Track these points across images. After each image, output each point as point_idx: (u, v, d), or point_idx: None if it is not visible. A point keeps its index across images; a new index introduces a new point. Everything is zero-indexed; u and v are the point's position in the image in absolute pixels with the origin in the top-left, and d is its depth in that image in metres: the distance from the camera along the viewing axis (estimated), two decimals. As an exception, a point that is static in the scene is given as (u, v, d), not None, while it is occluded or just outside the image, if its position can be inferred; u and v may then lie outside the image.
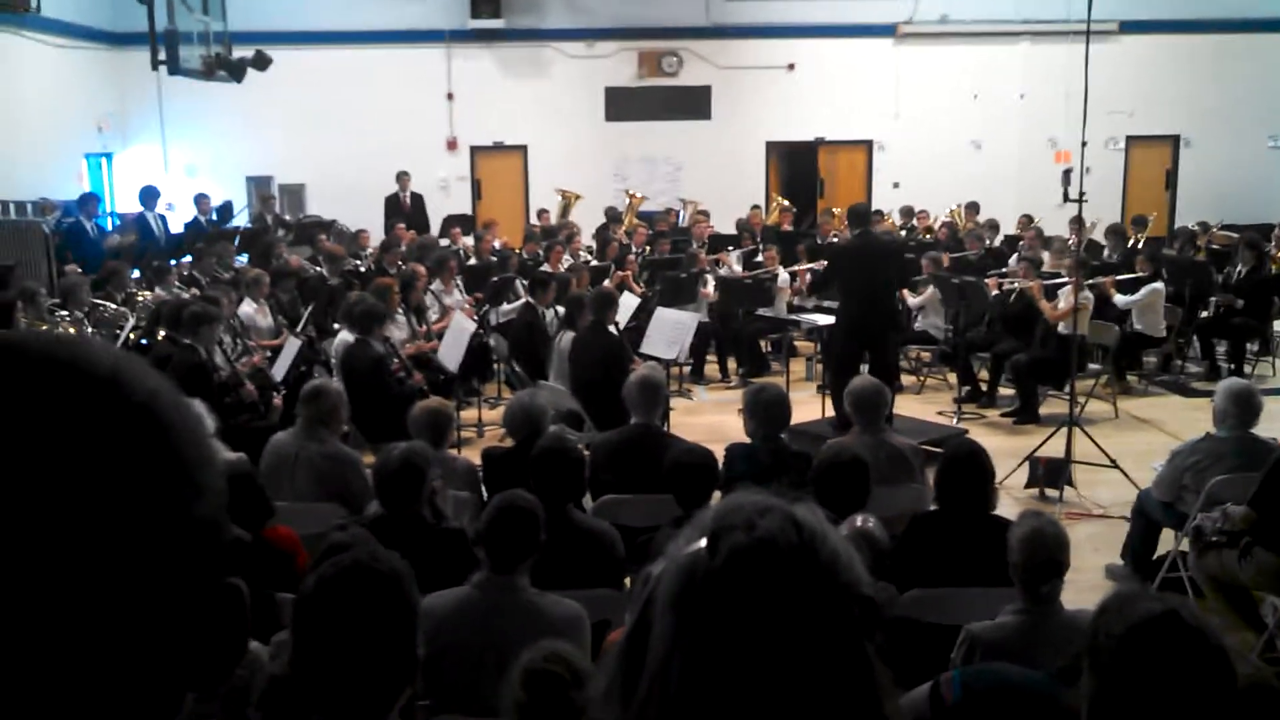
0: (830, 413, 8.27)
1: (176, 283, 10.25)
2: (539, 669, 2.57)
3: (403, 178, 15.78)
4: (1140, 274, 10.32)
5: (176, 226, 13.81)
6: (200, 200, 14.31)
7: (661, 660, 1.01)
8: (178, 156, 17.13)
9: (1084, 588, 4.91)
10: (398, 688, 2.05)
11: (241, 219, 15.01)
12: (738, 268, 12.19)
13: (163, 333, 7.76)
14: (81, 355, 0.72)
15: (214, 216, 14.12)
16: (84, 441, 0.68)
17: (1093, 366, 9.52)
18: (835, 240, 12.34)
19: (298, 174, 17.22)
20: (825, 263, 10.08)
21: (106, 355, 0.74)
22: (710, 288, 11.41)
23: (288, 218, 15.26)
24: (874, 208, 13.90)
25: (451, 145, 18.02)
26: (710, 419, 9.11)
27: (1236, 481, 5.14)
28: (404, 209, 15.49)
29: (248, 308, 9.27)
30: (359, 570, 2.07)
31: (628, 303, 9.89)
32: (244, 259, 12.28)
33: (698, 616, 1.01)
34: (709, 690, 0.99)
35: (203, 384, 6.67)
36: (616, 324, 8.66)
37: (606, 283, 10.69)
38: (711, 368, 11.20)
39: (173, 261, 11.18)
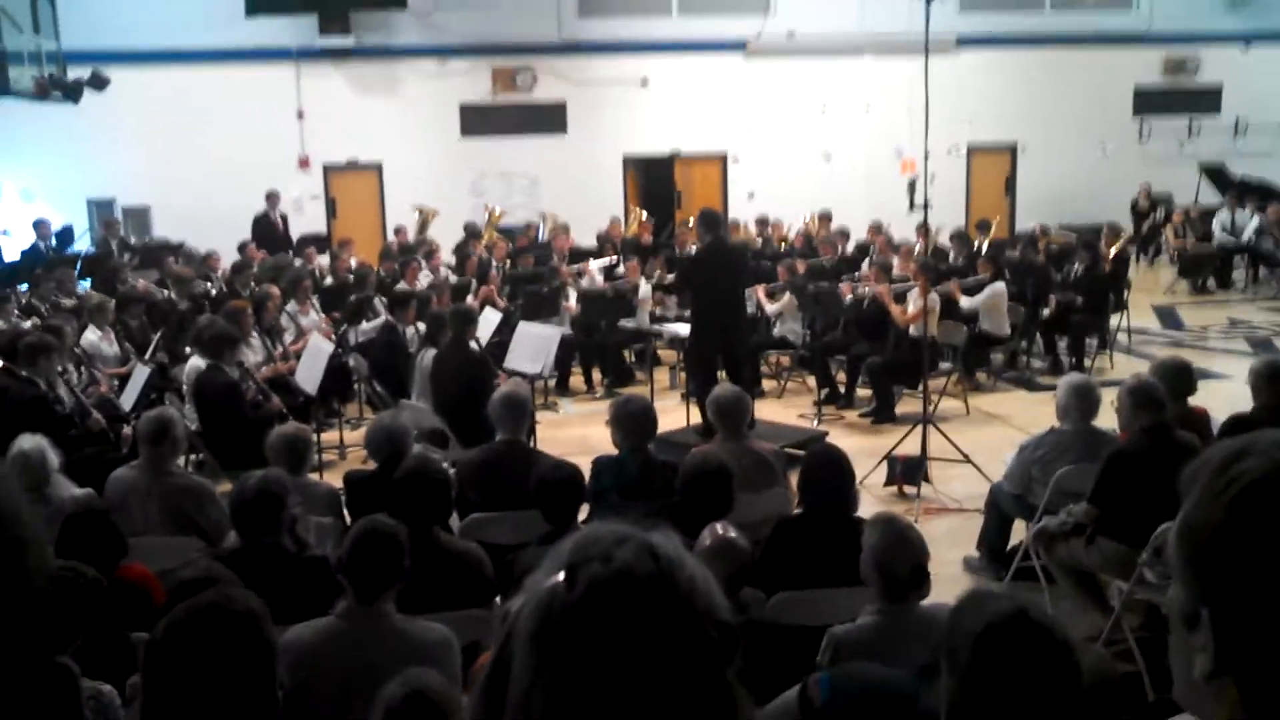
0: (695, 420, 8.37)
1: (16, 312, 9.78)
2: (398, 707, 2.52)
3: (272, 197, 15.37)
4: (982, 277, 10.71)
5: (12, 253, 13.20)
6: (40, 225, 13.69)
7: (523, 695, 1.01)
8: (11, 181, 16.35)
9: (942, 580, 5.04)
10: (258, 727, 1.99)
11: (84, 243, 14.42)
12: (599, 277, 12.24)
13: (0, 364, 7.39)
14: None
15: (54, 242, 13.54)
16: None
17: (944, 365, 9.84)
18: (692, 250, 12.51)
19: (142, 196, 16.65)
20: (677, 274, 10.26)
21: None
22: (572, 301, 11.43)
23: (133, 241, 14.72)
24: (730, 218, 14.13)
25: (304, 163, 17.66)
26: (577, 431, 9.11)
27: (1080, 472, 5.37)
28: (276, 229, 15.08)
29: (92, 335, 8.91)
30: (211, 612, 2.00)
31: (490, 318, 9.83)
32: (87, 285, 11.80)
33: (557, 650, 1.00)
34: None
35: (44, 417, 6.38)
36: (478, 340, 8.60)
37: (470, 299, 10.60)
38: (576, 380, 11.21)
39: (12, 289, 10.67)
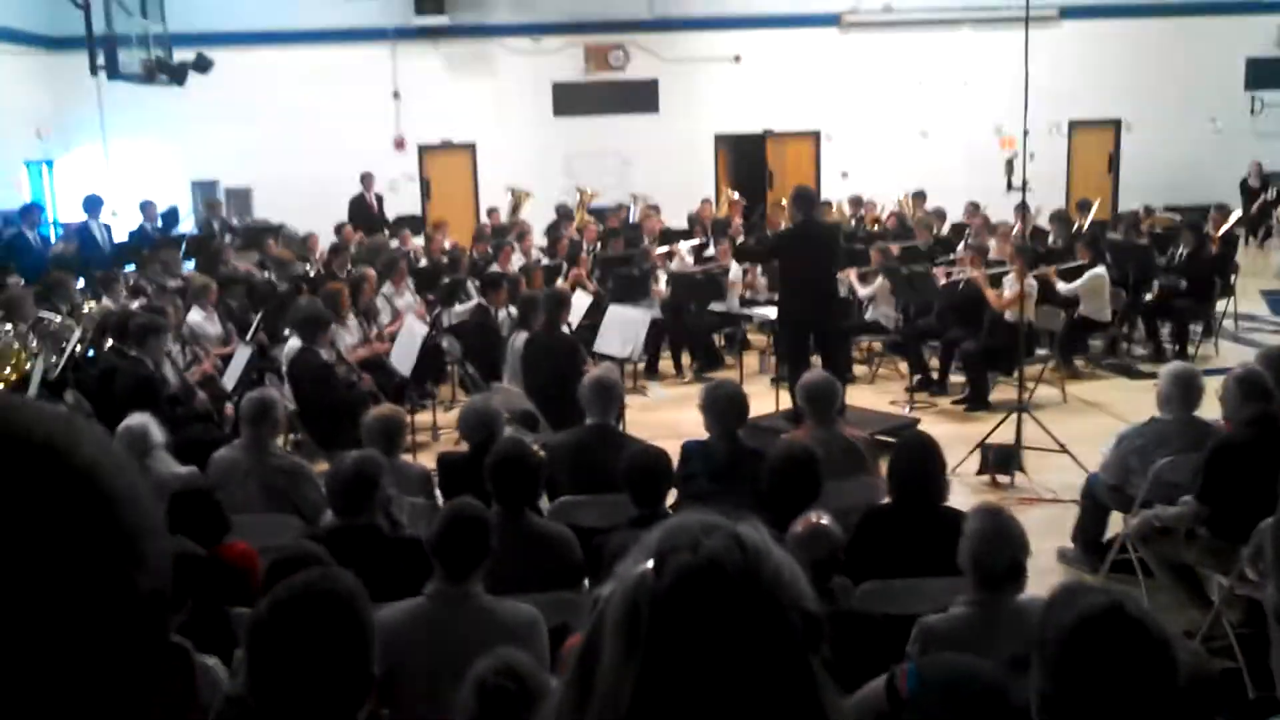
0: (785, 405, 8.33)
1: (123, 292, 10.10)
2: (490, 683, 2.58)
3: (366, 178, 15.63)
4: (1081, 262, 10.43)
5: (121, 235, 13.63)
6: (146, 207, 14.11)
7: (612, 683, 1.03)
8: (121, 162, 16.88)
9: (1037, 571, 4.95)
10: (354, 706, 2.05)
11: (188, 225, 14.83)
12: (689, 259, 12.21)
13: (110, 343, 7.65)
14: (15, 420, 0.70)
15: (160, 223, 13.95)
16: (16, 512, 0.66)
17: (1040, 352, 9.64)
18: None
19: (244, 177, 17.05)
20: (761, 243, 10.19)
21: (41, 420, 0.71)
22: (662, 284, 11.43)
23: (235, 222, 15.10)
24: (822, 198, 13.98)
25: (399, 144, 17.92)
26: (666, 415, 9.12)
27: (1180, 464, 5.23)
28: (372, 211, 15.35)
29: (196, 315, 9.16)
30: (312, 592, 2.06)
31: (580, 301, 9.88)
32: (191, 265, 12.14)
33: (644, 638, 1.02)
34: (659, 711, 1.01)
35: (151, 396, 6.58)
36: (569, 324, 8.65)
37: (560, 281, 10.67)
38: (666, 364, 11.21)
39: (120, 270, 11.02)
